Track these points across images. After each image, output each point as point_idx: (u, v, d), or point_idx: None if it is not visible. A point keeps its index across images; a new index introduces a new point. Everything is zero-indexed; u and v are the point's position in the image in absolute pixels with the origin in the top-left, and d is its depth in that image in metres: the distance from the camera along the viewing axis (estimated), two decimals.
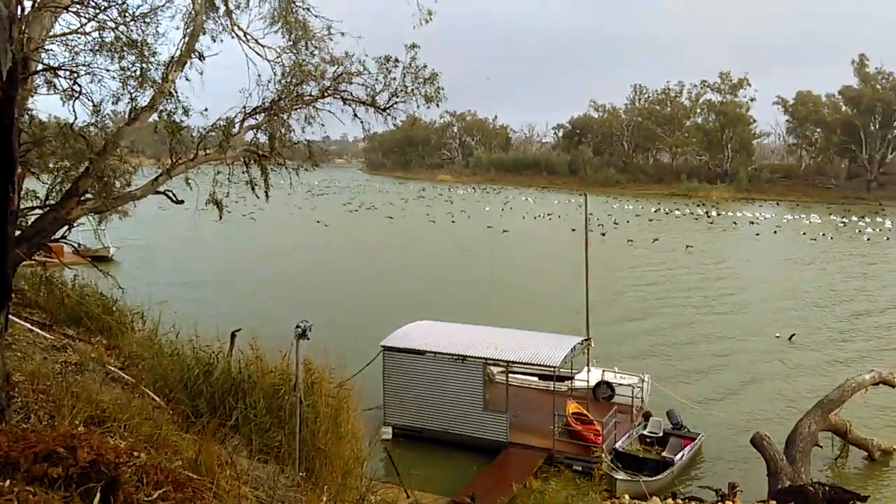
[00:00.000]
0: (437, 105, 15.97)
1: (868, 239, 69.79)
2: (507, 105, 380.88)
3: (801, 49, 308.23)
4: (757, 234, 72.64)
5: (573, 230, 62.70)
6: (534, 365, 20.46)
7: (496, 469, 17.41)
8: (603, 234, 65.72)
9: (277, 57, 14.61)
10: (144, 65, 12.61)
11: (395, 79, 15.39)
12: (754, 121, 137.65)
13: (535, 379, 23.25)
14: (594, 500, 14.22)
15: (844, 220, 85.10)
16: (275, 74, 14.50)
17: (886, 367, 23.96)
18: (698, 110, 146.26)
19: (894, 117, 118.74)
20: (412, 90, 15.52)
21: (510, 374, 21.37)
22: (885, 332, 33.56)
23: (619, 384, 22.94)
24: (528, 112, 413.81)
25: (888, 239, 70.04)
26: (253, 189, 15.07)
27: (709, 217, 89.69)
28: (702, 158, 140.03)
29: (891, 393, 22.09)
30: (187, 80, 13.20)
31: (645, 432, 20.27)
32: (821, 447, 19.02)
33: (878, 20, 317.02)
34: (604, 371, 23.73)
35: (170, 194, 13.63)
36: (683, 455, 18.76)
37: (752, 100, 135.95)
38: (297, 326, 10.21)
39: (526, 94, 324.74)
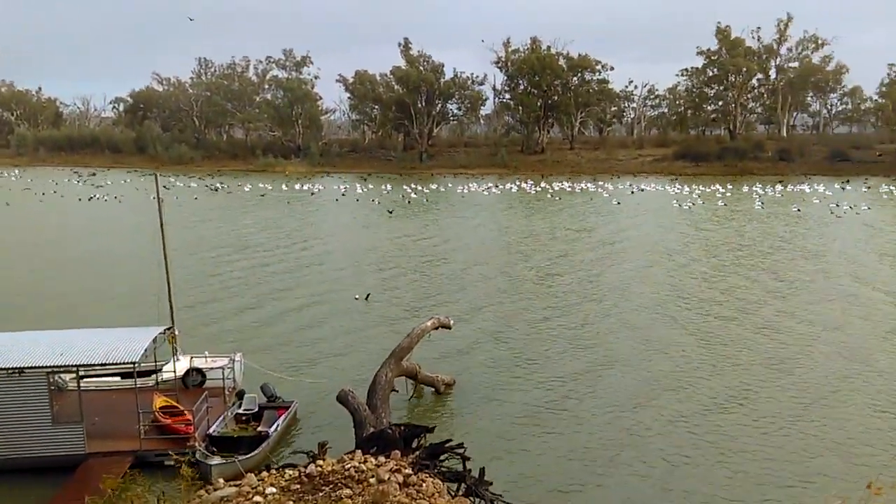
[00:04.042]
0: None
1: (409, 202, 79.98)
2: (52, 77, 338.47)
3: (360, 27, 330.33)
4: (323, 205, 78.43)
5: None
6: (110, 364, 18.62)
7: (75, 485, 15.47)
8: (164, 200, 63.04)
9: None
10: None
11: None
12: (320, 98, 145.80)
13: (118, 379, 21.32)
14: (185, 493, 13.51)
15: (387, 187, 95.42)
16: None
17: (444, 313, 27.79)
18: (266, 86, 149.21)
19: (436, 96, 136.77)
20: None
21: (86, 379, 19.29)
22: (446, 281, 38.96)
23: (211, 368, 22.33)
24: (78, 83, 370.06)
25: (427, 201, 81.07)
26: None
27: (275, 190, 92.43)
28: (275, 134, 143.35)
29: (448, 334, 25.59)
30: None
31: (240, 411, 20.08)
32: (397, 391, 21.15)
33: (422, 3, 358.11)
34: (192, 358, 22.83)
35: None
36: (278, 425, 19.10)
37: (316, 77, 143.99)
38: None
39: (74, 63, 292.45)
